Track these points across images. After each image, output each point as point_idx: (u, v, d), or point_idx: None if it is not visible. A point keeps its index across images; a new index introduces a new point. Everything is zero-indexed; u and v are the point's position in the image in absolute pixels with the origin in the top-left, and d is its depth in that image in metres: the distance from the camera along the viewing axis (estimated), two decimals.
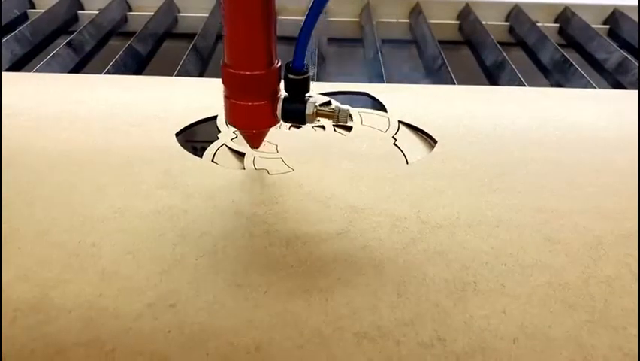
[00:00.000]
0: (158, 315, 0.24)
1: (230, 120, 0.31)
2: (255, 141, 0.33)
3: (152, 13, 0.64)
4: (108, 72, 0.49)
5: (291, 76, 0.29)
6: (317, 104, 0.30)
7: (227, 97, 0.30)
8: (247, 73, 0.29)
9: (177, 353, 0.22)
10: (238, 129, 0.32)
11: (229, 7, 0.27)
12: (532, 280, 0.27)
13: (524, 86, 0.49)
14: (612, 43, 0.59)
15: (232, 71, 0.29)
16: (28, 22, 0.60)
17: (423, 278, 0.26)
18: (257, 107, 0.30)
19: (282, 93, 0.31)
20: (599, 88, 0.49)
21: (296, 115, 0.30)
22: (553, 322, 0.24)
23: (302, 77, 0.29)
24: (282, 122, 0.31)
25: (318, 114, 0.31)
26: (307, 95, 0.30)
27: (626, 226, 0.30)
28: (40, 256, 0.27)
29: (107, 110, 0.41)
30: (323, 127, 0.40)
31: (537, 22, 0.65)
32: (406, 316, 0.24)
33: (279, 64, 0.30)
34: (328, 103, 0.42)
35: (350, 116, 0.32)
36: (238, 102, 0.30)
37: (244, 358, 0.22)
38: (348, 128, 0.40)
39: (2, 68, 0.52)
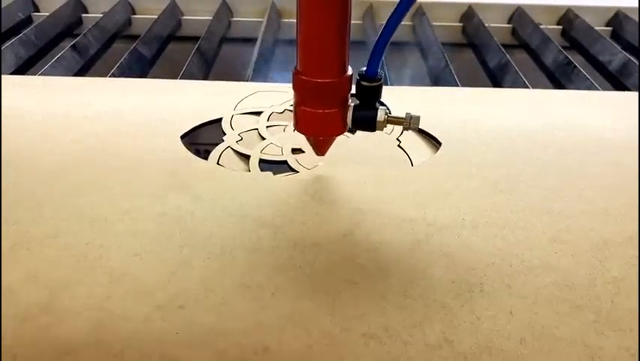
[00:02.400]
0: (166, 316, 0.24)
1: (299, 127, 0.31)
2: (321, 148, 0.32)
3: (156, 16, 0.64)
4: (113, 75, 0.50)
5: (364, 83, 0.29)
6: (387, 110, 0.30)
7: (297, 104, 0.30)
8: (320, 80, 0.28)
9: (187, 354, 0.22)
10: (306, 136, 0.32)
11: (305, 14, 0.27)
12: (539, 280, 0.27)
13: (528, 87, 0.49)
14: (615, 45, 0.59)
15: (304, 78, 0.28)
16: (32, 26, 0.60)
17: (429, 280, 0.27)
18: (327, 114, 0.29)
19: (352, 101, 0.30)
20: (603, 90, 0.49)
21: (366, 122, 0.30)
22: (560, 322, 0.25)
23: (375, 84, 0.29)
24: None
25: (389, 121, 0.30)
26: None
27: (632, 227, 0.31)
28: (50, 258, 0.27)
29: (113, 113, 0.41)
30: None
31: (540, 24, 0.65)
32: (413, 317, 0.25)
33: (351, 72, 0.29)
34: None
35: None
36: (308, 109, 0.29)
37: (253, 359, 0.22)
38: (353, 131, 0.40)
39: (8, 72, 0.52)
